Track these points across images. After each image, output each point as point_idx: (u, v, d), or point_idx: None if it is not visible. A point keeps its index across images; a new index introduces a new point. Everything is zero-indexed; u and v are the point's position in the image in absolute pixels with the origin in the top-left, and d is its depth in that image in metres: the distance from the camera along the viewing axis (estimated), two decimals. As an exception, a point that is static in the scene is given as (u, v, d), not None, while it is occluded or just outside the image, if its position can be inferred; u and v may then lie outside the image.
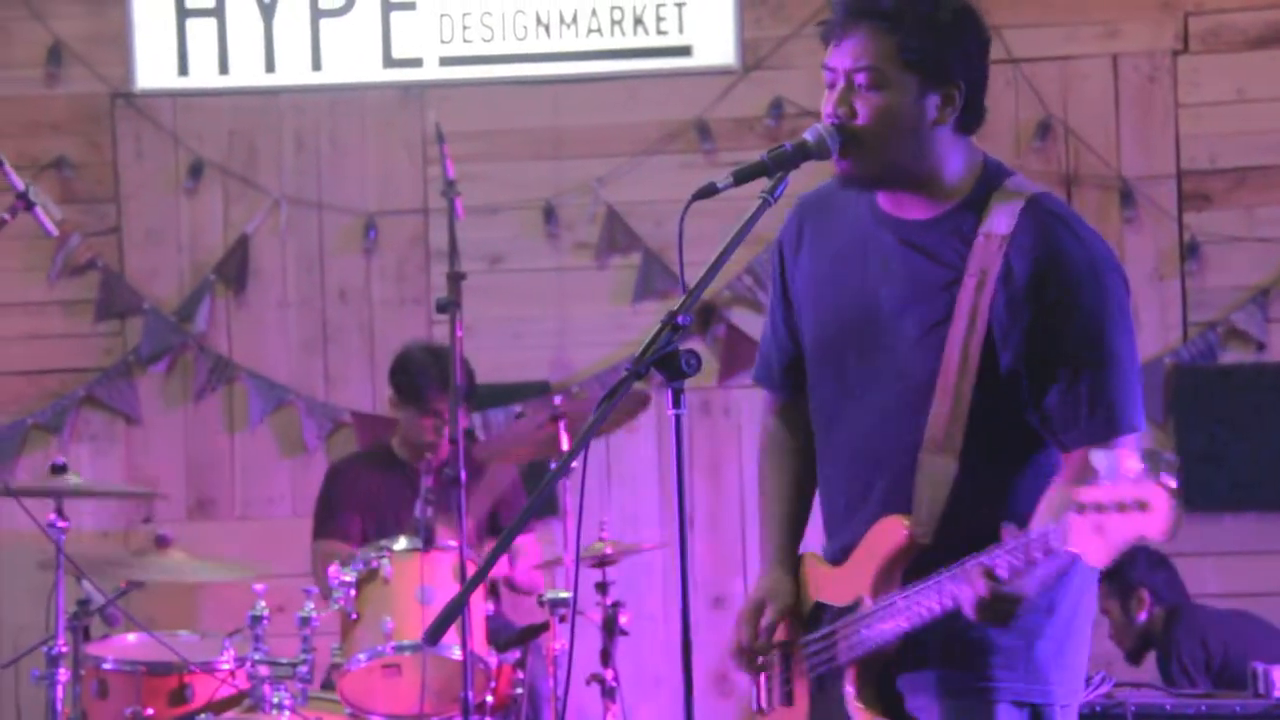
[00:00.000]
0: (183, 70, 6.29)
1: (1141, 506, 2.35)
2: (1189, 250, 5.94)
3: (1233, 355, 5.94)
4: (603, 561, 5.13)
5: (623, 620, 5.12)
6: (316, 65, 6.27)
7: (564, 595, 4.88)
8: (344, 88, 6.27)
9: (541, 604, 4.93)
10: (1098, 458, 2.40)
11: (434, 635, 2.53)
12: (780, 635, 2.96)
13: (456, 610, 2.53)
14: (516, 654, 5.00)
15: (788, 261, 3.01)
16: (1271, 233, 5.91)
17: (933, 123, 2.77)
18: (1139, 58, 6.01)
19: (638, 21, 6.18)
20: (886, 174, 2.81)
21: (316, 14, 6.26)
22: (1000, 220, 2.75)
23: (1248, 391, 5.88)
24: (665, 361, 2.63)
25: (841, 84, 2.79)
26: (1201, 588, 5.88)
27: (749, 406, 6.12)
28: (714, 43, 6.16)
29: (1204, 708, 4.71)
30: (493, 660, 4.81)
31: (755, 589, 2.99)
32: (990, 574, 2.57)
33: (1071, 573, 2.74)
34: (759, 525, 3.06)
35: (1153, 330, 5.94)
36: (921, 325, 2.78)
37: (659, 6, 6.17)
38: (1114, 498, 2.37)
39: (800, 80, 6.12)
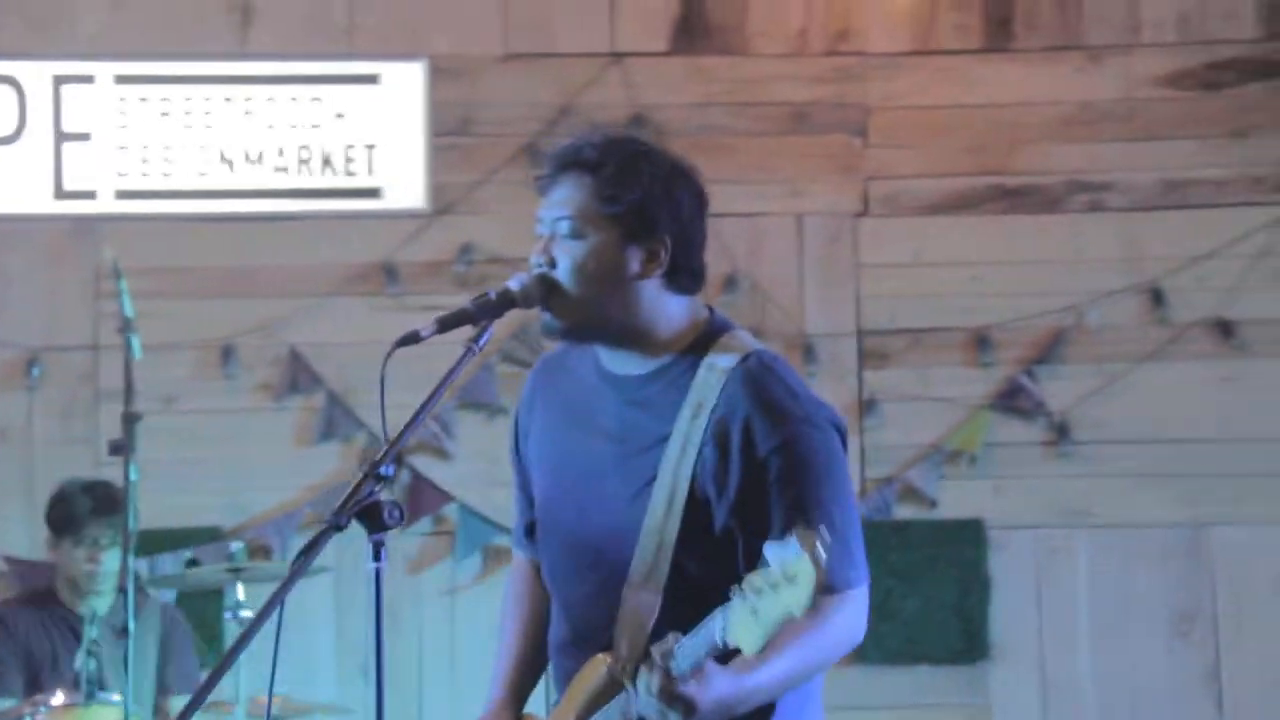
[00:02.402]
0: None
1: (789, 580, 2.38)
2: (867, 407, 6.06)
3: (907, 510, 6.06)
4: None
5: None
6: (-19, 193, 6.00)
7: (235, 754, 4.67)
8: (11, 218, 6.01)
9: (210, 762, 4.70)
10: (769, 549, 2.41)
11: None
12: None
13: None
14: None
15: (521, 424, 2.95)
16: (944, 392, 6.07)
17: (635, 276, 2.74)
18: (823, 218, 6.15)
19: (326, 162, 6.09)
20: (589, 325, 2.77)
21: (-18, 141, 6.01)
22: (719, 361, 2.73)
23: (920, 547, 6.00)
24: (367, 512, 2.54)
25: (546, 233, 2.76)
26: (874, 740, 5.94)
27: (428, 554, 6.01)
28: (404, 185, 6.10)
29: None
30: (153, 825, 4.56)
31: (483, 714, 2.92)
32: (666, 671, 2.54)
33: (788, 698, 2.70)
34: (496, 660, 2.99)
35: (832, 485, 6.02)
36: (638, 480, 2.74)
37: (348, 148, 6.09)
38: (767, 579, 2.40)
39: (490, 226, 6.09)
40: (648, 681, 2.55)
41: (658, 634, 2.67)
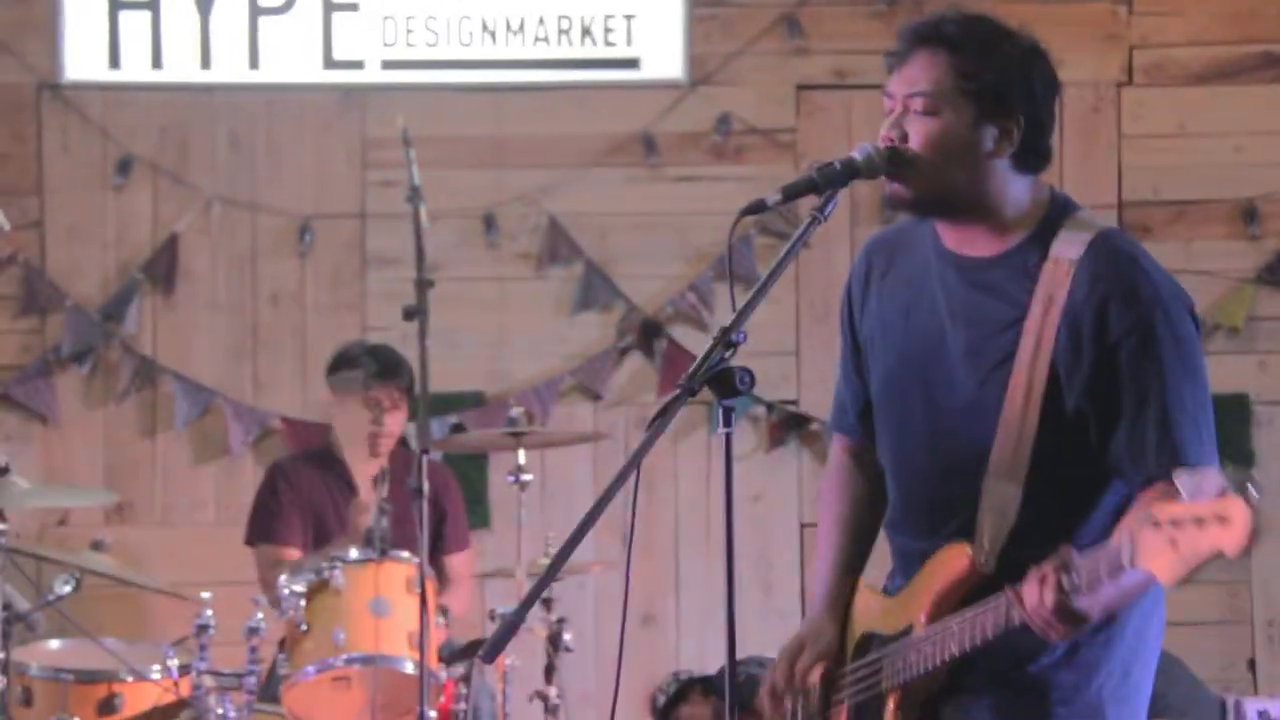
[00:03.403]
0: (114, 63, 6.13)
1: (1221, 520, 2.33)
2: (1129, 280, 5.99)
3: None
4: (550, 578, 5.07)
5: (567, 637, 5.06)
6: (254, 64, 6.14)
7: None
8: (282, 87, 6.15)
9: (493, 618, 4.86)
10: (1182, 477, 2.41)
11: (493, 653, 2.48)
12: (815, 677, 2.92)
13: (514, 628, 2.48)
14: (461, 669, 4.92)
15: (855, 304, 2.97)
16: (1208, 265, 5.98)
17: (988, 154, 2.74)
18: (1084, 88, 6.07)
19: (585, 32, 6.13)
20: (936, 199, 2.77)
21: (255, 11, 6.13)
22: (1068, 249, 2.72)
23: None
24: (719, 378, 2.59)
25: (898, 109, 2.76)
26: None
27: (685, 423, 6.08)
28: (662, 56, 6.12)
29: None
30: (442, 675, 4.74)
31: (800, 628, 2.96)
32: (1061, 585, 2.53)
33: (1132, 606, 2.72)
34: (817, 562, 3.02)
35: (1092, 358, 5.98)
36: (988, 363, 2.75)
37: (608, 18, 6.12)
38: (1192, 513, 2.36)
39: (748, 96, 6.11)
40: (1040, 595, 2.55)
41: (1019, 527, 2.70)
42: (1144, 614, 2.79)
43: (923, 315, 2.83)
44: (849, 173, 2.73)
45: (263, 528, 5.42)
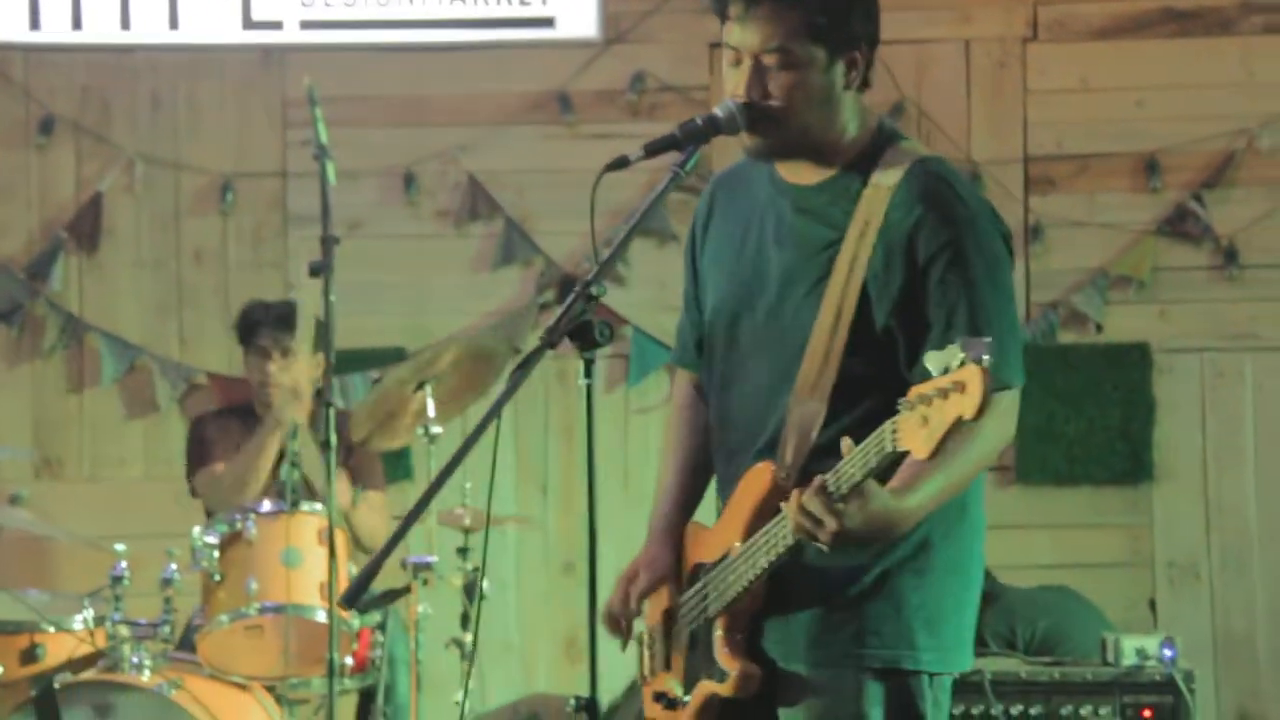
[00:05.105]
0: (34, 24, 6.19)
1: (959, 387, 2.41)
2: (1033, 233, 6.12)
3: (1071, 335, 6.14)
4: (465, 529, 5.19)
5: (485, 584, 5.16)
6: (174, 24, 6.20)
7: (428, 559, 4.92)
8: (202, 48, 6.21)
9: (404, 567, 4.96)
10: (930, 358, 2.46)
11: (351, 599, 2.57)
12: (660, 604, 3.01)
13: (372, 573, 2.58)
14: (376, 617, 5.03)
15: (697, 240, 3.05)
16: (1111, 218, 6.11)
17: (842, 89, 2.81)
18: (990, 44, 6.17)
19: (501, -9, 6.21)
20: (794, 144, 2.84)
21: (174, -29, 6.20)
22: (887, 176, 2.79)
23: (1084, 370, 6.09)
24: (579, 331, 2.68)
25: (749, 63, 2.80)
26: (1036, 558, 6.07)
27: (602, 375, 6.18)
28: (577, 15, 6.21)
29: (1057, 675, 4.89)
30: (355, 623, 4.84)
31: (637, 557, 3.02)
32: (823, 485, 2.60)
33: (943, 537, 2.81)
34: (657, 493, 3.08)
35: (997, 309, 6.10)
36: (804, 284, 2.82)
37: (523, -23, 6.21)
38: (936, 386, 2.44)
39: (661, 54, 6.20)
40: (803, 499, 2.61)
41: (822, 444, 2.75)
42: (958, 550, 2.85)
43: (751, 244, 2.91)
44: (710, 129, 2.80)
45: (201, 455, 5.50)
